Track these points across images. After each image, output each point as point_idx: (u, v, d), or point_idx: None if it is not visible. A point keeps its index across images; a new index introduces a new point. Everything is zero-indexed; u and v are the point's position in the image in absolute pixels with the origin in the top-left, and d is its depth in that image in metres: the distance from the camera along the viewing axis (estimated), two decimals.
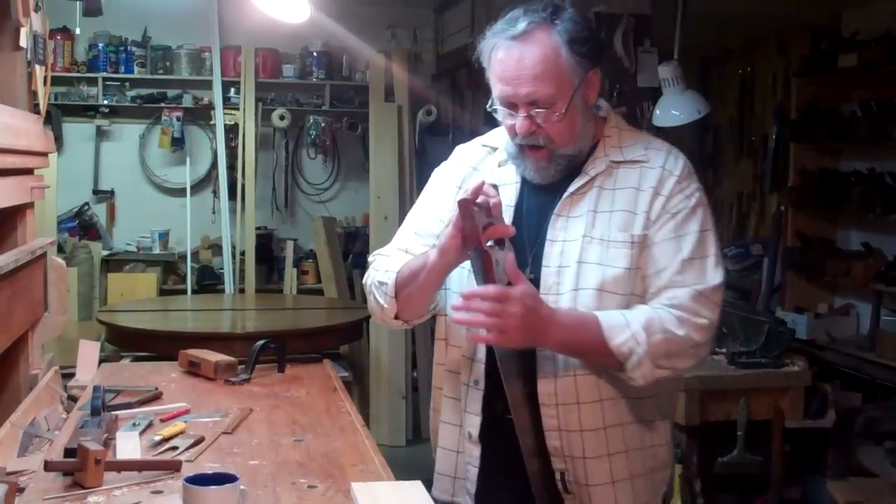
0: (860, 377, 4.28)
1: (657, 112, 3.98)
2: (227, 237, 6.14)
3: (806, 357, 3.84)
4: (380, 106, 5.92)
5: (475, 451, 1.80)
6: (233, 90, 6.25)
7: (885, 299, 4.44)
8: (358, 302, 5.79)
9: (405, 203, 5.79)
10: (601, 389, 1.73)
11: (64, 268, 2.70)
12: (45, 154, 2.60)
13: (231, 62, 6.25)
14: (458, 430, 1.84)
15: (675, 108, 3.91)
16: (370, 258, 1.94)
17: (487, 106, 1.76)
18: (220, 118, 6.14)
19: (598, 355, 1.67)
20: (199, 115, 6.34)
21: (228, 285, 6.04)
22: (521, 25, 1.66)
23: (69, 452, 1.69)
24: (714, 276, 1.70)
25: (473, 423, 1.79)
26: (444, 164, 1.96)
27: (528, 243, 1.77)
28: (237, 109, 6.18)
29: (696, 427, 3.38)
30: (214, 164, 6.29)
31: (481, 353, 1.79)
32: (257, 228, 6.21)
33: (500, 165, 1.84)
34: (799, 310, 4.81)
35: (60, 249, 5.61)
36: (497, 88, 1.71)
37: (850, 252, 4.86)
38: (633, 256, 1.70)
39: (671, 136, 5.10)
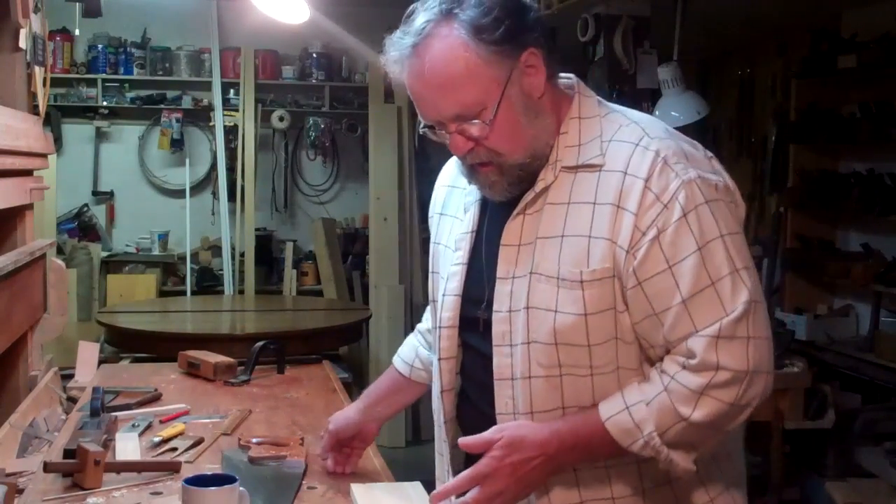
0: (859, 378, 4.27)
1: (657, 113, 3.98)
2: (227, 238, 6.14)
3: (805, 358, 3.84)
4: (379, 107, 5.93)
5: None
6: (232, 91, 6.25)
7: (884, 300, 4.44)
8: (357, 303, 5.80)
9: (405, 204, 5.80)
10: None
11: (63, 269, 2.71)
12: (44, 155, 2.60)
13: (230, 63, 6.25)
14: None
15: (674, 110, 3.91)
16: None
17: (419, 128, 1.48)
18: (219, 119, 6.14)
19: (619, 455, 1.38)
20: (199, 116, 6.34)
21: (228, 286, 6.03)
22: (418, 24, 1.39)
23: (68, 453, 1.69)
24: (733, 302, 1.31)
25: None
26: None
27: (486, 278, 1.48)
28: (237, 111, 6.19)
29: None
30: (214, 166, 6.29)
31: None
32: (257, 230, 6.21)
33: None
34: (798, 311, 4.81)
35: (60, 251, 5.61)
36: (416, 107, 1.45)
37: (849, 253, 4.86)
38: (585, 299, 1.36)
39: None
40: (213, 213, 6.32)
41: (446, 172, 1.68)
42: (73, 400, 2.41)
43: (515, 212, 1.44)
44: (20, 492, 1.66)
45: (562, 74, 1.50)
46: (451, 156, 1.74)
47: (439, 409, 1.57)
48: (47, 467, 1.68)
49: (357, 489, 1.64)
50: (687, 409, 1.31)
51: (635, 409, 1.34)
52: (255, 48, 6.22)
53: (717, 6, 4.44)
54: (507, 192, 1.44)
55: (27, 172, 2.45)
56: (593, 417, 1.36)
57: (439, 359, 1.54)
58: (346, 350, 4.87)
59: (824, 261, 4.81)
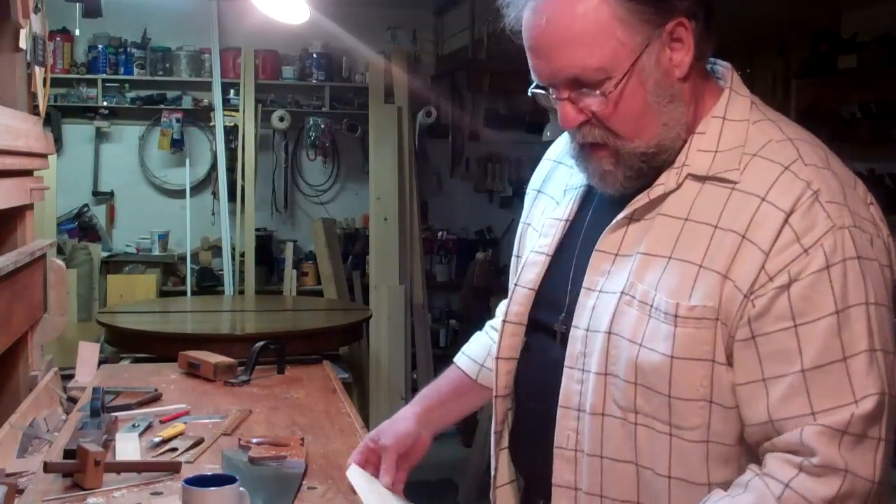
0: None
1: None
2: (227, 239, 6.14)
3: None
4: (379, 107, 5.93)
5: None
6: (232, 92, 6.25)
7: None
8: (357, 303, 5.80)
9: (405, 204, 5.80)
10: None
11: (63, 269, 2.71)
12: (44, 156, 2.60)
13: (231, 63, 6.25)
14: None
15: None
16: None
17: (531, 87, 1.22)
18: (219, 120, 6.14)
19: None
20: (199, 116, 6.34)
21: (228, 287, 6.04)
22: None
23: (69, 454, 1.69)
24: (865, 388, 1.03)
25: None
26: None
27: (571, 282, 1.25)
28: (237, 111, 6.19)
29: None
30: (214, 166, 6.29)
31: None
32: (257, 230, 6.21)
33: None
34: None
35: (60, 251, 5.61)
36: (529, 62, 1.19)
37: None
38: (676, 338, 1.11)
39: None
40: (213, 214, 6.32)
41: (557, 145, 1.42)
42: (73, 400, 2.41)
43: (621, 215, 1.19)
44: (20, 492, 1.66)
45: (717, 62, 1.29)
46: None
47: (493, 415, 1.38)
48: (47, 467, 1.68)
49: (354, 472, 1.52)
50: None
51: None
52: (256, 48, 6.22)
53: (717, 6, 4.44)
54: (622, 185, 1.20)
55: (27, 172, 2.45)
56: None
57: (497, 357, 1.34)
58: (346, 350, 4.87)
59: None
